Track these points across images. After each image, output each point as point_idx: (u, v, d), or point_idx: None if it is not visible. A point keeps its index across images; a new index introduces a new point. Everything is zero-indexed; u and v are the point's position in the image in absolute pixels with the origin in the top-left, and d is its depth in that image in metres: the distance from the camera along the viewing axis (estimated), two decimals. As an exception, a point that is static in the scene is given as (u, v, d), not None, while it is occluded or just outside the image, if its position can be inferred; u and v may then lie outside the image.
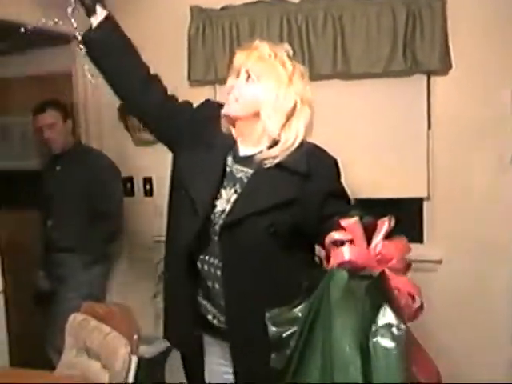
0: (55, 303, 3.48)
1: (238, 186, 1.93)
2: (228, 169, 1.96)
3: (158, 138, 2.20)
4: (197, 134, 2.02)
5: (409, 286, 1.58)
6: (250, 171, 1.93)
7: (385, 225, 1.61)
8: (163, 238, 3.14)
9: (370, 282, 1.49)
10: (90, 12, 1.96)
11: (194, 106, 2.15)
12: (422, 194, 3.27)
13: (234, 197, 1.91)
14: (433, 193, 3.25)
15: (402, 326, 1.42)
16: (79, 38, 1.98)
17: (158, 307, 3.50)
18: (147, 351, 3.35)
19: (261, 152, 1.92)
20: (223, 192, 1.93)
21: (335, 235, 1.60)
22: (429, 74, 3.20)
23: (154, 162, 3.50)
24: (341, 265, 1.54)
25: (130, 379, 2.39)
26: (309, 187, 1.87)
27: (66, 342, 2.73)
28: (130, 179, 3.85)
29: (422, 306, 1.57)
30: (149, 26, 3.21)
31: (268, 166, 1.89)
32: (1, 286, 3.03)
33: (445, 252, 3.19)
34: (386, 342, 1.41)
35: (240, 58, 1.96)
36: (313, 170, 1.89)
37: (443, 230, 3.23)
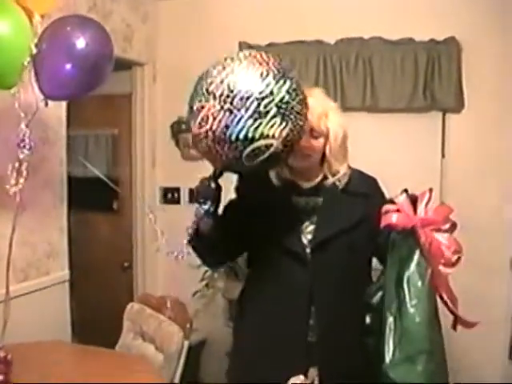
0: None
1: (311, 215, 2.09)
2: (299, 204, 2.11)
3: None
4: (255, 199, 2.12)
5: (453, 243, 1.83)
6: (319, 199, 2.10)
7: (426, 195, 1.86)
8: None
9: (403, 235, 1.83)
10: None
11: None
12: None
13: (313, 226, 2.08)
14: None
15: (427, 267, 1.79)
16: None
17: (195, 304, 3.97)
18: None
19: (325, 180, 2.12)
20: (304, 226, 2.09)
21: (388, 206, 1.88)
22: (444, 111, 3.55)
23: (199, 175, 3.78)
24: (387, 226, 1.85)
25: (182, 361, 2.74)
26: (369, 205, 2.06)
27: (124, 326, 3.04)
28: (177, 189, 4.23)
29: (459, 258, 1.83)
30: (199, 58, 3.45)
31: (340, 187, 2.09)
32: (68, 276, 3.38)
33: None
34: (416, 279, 1.79)
35: None
36: (369, 190, 2.14)
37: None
